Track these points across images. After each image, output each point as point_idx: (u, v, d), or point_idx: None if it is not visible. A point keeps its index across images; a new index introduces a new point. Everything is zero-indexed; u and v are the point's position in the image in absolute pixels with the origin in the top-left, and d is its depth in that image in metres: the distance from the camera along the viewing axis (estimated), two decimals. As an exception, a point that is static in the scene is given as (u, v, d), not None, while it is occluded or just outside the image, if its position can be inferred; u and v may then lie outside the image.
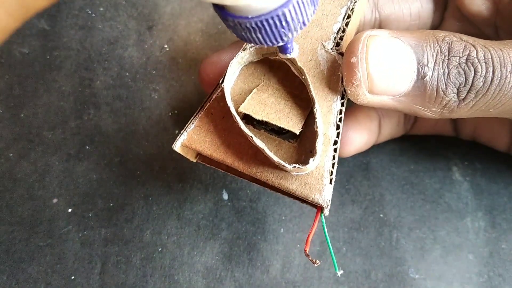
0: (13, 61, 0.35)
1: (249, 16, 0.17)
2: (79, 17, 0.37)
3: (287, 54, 0.22)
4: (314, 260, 0.24)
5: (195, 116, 0.25)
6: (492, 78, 0.21)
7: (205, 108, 0.25)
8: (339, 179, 0.33)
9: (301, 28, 0.19)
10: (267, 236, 0.32)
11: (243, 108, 0.23)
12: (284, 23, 0.18)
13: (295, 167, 0.22)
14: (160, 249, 0.31)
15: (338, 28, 0.24)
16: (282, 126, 0.23)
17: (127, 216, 0.32)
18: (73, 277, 0.30)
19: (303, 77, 0.23)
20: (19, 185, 0.32)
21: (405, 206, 0.33)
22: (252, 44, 0.21)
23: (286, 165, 0.22)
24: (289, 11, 0.17)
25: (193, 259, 0.31)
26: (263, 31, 0.18)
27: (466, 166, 0.34)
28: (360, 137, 0.29)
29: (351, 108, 0.31)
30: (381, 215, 0.32)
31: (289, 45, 0.21)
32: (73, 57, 0.35)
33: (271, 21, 0.18)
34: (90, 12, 0.37)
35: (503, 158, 0.34)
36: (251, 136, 0.22)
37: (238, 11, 0.18)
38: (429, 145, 0.35)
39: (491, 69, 0.21)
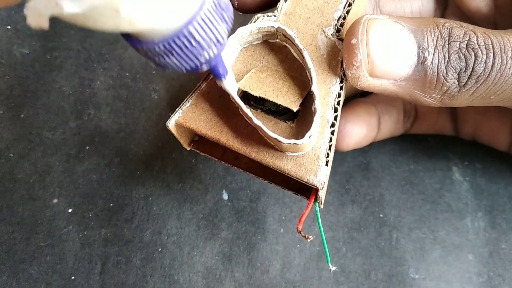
0: (13, 61, 0.35)
1: (156, 40, 0.17)
2: (79, 18, 0.37)
3: (221, 80, 0.21)
4: (306, 236, 0.23)
5: (191, 94, 0.24)
6: (493, 63, 0.21)
7: (202, 86, 0.24)
8: (339, 179, 0.33)
9: (216, 46, 0.18)
10: (267, 236, 0.32)
11: (241, 85, 0.23)
12: (193, 42, 0.17)
13: (290, 143, 0.21)
14: (160, 249, 0.31)
15: (339, 15, 0.24)
16: (279, 102, 0.23)
17: (127, 216, 0.32)
18: (73, 277, 0.30)
19: (302, 54, 0.23)
20: (20, 185, 0.32)
21: (405, 206, 0.33)
22: (171, 70, 0.21)
23: (283, 139, 0.21)
24: (195, 29, 0.17)
25: (193, 259, 0.31)
26: (175, 54, 0.17)
27: (466, 166, 0.34)
28: (359, 131, 0.29)
29: (351, 103, 0.31)
30: (381, 215, 0.32)
31: (220, 70, 0.20)
32: (73, 58, 0.36)
33: (178, 42, 0.17)
34: (90, 13, 0.37)
35: (503, 158, 0.34)
36: (247, 112, 0.22)
37: (143, 36, 0.17)
38: (429, 145, 0.35)
39: (491, 55, 0.21)
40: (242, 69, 0.25)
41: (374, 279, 0.31)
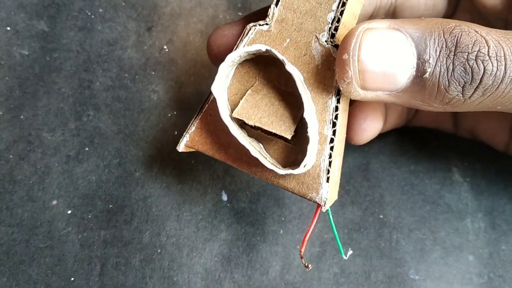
0: (13, 62, 0.35)
1: None
2: (78, 19, 0.37)
3: None
4: (306, 264, 0.24)
5: (196, 117, 0.25)
6: (503, 76, 0.19)
7: (204, 109, 0.25)
8: (338, 180, 0.33)
9: None
10: (266, 237, 0.32)
11: (236, 114, 0.23)
12: None
13: (286, 173, 0.22)
14: (159, 251, 0.31)
15: (333, 17, 0.23)
16: (274, 131, 0.23)
17: (126, 217, 0.32)
18: (72, 279, 0.30)
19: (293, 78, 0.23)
20: (19, 186, 0.32)
21: (405, 207, 0.33)
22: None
23: (278, 171, 0.23)
24: None
25: (192, 260, 0.31)
26: None
27: (466, 167, 0.34)
28: (374, 124, 0.29)
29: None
30: (381, 216, 0.32)
31: None
32: (73, 59, 0.36)
33: None
34: (89, 14, 0.37)
35: (503, 159, 0.33)
36: (245, 145, 0.23)
37: None
38: (429, 146, 0.35)
39: (502, 67, 0.19)
40: (239, 87, 0.24)
41: (374, 280, 0.31)
